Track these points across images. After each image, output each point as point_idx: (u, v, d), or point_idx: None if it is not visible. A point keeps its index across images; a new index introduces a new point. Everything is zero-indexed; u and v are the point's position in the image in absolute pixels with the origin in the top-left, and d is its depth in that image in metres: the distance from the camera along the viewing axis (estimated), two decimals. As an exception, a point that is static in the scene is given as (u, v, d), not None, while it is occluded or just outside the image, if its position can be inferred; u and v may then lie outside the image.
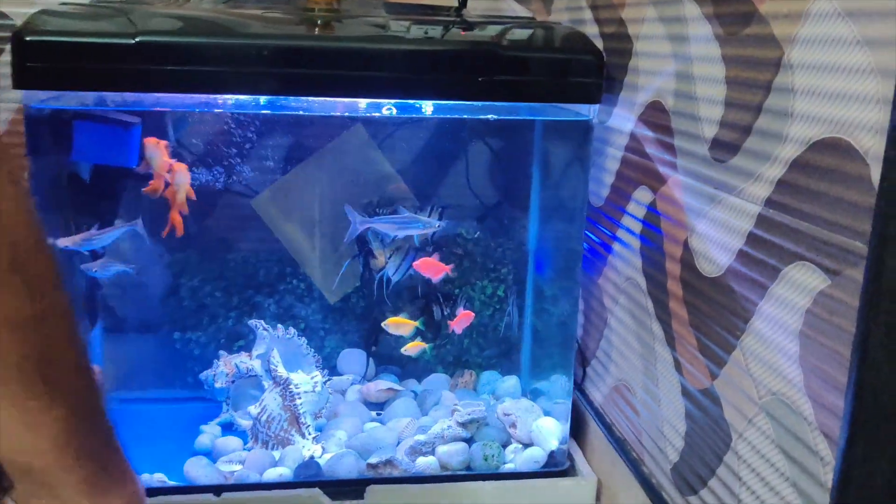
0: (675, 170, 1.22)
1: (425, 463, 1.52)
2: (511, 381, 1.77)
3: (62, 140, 1.42)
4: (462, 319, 1.67)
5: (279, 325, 1.66)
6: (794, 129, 0.92)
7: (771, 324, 0.96)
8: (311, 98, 1.43)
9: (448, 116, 1.64)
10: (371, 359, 1.79)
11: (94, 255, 1.51)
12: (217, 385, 1.65)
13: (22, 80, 1.23)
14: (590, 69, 1.36)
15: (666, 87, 1.25)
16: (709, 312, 1.11)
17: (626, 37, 1.40)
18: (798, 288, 0.91)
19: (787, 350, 0.93)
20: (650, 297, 1.31)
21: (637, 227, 1.36)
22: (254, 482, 1.47)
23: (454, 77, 1.33)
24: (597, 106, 1.41)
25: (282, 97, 1.42)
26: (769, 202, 0.97)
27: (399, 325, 1.65)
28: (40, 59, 1.23)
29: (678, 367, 1.21)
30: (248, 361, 1.66)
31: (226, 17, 1.41)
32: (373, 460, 1.50)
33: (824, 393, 0.86)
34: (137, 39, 1.24)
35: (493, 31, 1.46)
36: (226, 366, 1.66)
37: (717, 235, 1.09)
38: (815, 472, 0.88)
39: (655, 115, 1.29)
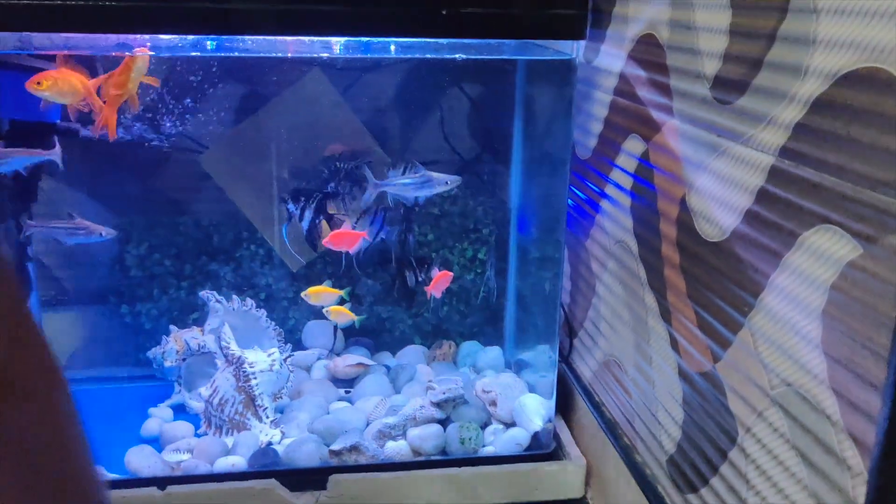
0: (671, 114, 1.05)
1: (395, 448, 1.38)
2: (493, 353, 1.62)
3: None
4: (440, 282, 1.51)
5: (234, 297, 1.50)
6: (817, 59, 0.76)
7: (786, 300, 0.80)
8: (256, 37, 1.25)
9: (410, 57, 1.45)
10: (339, 331, 1.64)
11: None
12: (167, 364, 1.50)
13: None
14: (572, -1, 1.18)
15: (660, 16, 1.07)
16: (710, 283, 0.95)
17: (614, -39, 1.22)
18: (821, 257, 0.75)
19: (806, 333, 0.77)
20: (642, 263, 1.15)
21: (628, 183, 1.19)
22: (203, 473, 1.33)
23: (413, 10, 1.15)
24: (582, 42, 1.24)
25: (224, 37, 1.24)
26: (784, 151, 0.81)
27: (320, 294, 1.49)
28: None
29: (674, 344, 1.05)
30: (199, 337, 1.50)
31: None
32: (336, 446, 1.35)
33: (853, 388, 0.70)
34: (39, -31, 1.06)
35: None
36: (175, 342, 1.51)
37: (720, 192, 0.93)
38: (842, 484, 0.72)
39: (648, 51, 1.11)
